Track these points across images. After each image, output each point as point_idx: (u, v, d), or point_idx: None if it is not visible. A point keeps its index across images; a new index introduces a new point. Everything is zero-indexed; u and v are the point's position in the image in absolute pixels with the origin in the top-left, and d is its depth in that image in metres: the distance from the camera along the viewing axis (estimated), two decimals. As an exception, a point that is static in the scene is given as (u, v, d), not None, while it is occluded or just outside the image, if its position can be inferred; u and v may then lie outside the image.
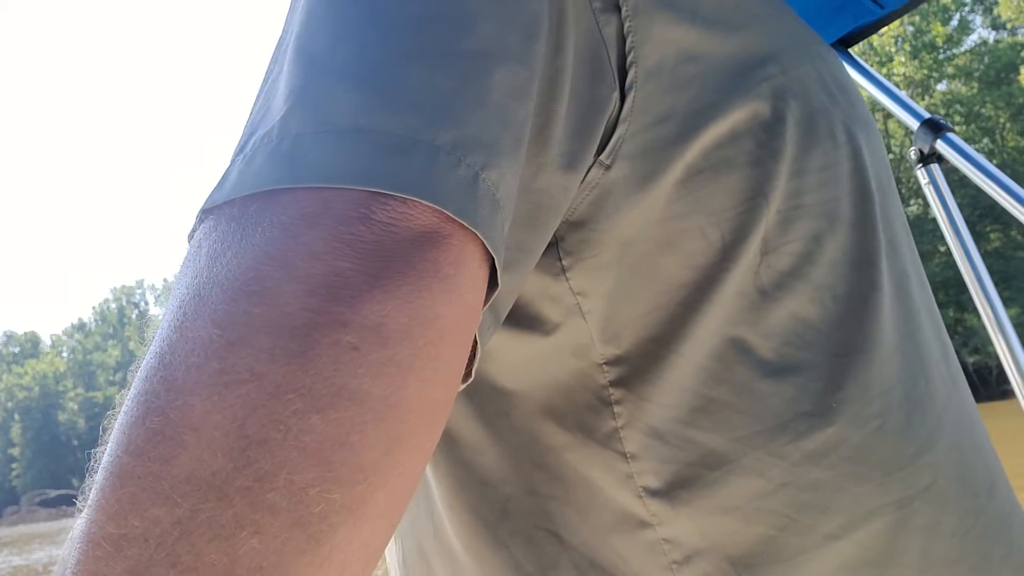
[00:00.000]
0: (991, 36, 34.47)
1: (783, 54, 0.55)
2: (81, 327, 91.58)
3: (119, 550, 0.29)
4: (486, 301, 0.40)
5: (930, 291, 0.64)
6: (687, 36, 0.50)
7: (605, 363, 0.53)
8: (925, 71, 31.90)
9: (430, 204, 0.34)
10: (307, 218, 0.33)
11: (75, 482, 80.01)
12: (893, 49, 31.37)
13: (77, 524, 0.32)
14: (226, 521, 0.29)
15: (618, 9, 0.48)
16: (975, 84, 31.68)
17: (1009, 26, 32.35)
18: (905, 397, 0.55)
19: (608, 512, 0.53)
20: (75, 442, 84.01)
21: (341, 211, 0.33)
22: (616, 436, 0.52)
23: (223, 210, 0.36)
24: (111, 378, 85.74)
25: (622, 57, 0.48)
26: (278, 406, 0.30)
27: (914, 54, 32.13)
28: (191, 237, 0.37)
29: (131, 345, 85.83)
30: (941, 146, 1.49)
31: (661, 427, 0.52)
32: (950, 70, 31.92)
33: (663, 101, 0.49)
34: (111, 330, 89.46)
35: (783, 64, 0.55)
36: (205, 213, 0.37)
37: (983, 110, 31.48)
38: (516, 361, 0.54)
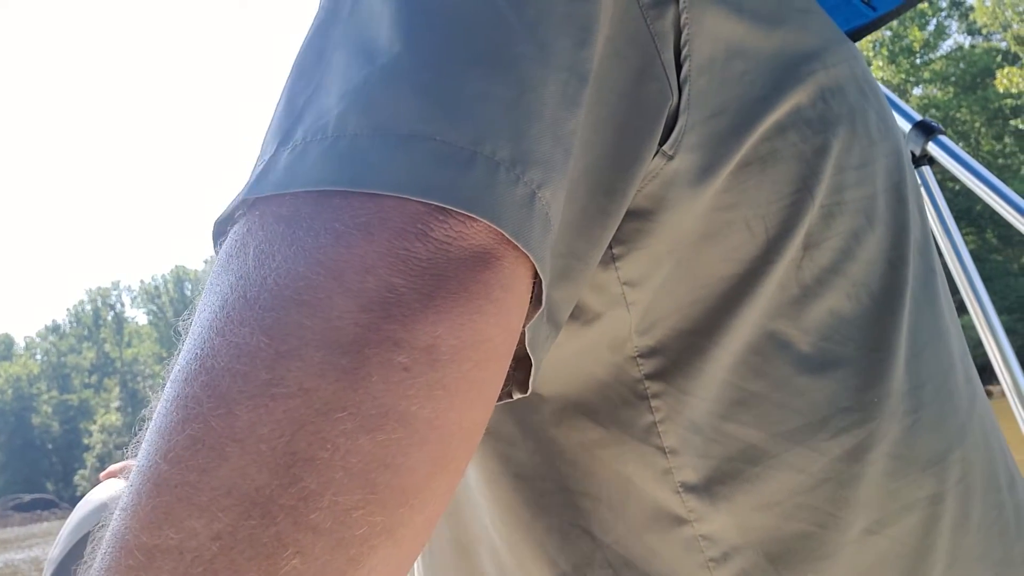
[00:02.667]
0: (967, 41, 34.93)
1: (824, 51, 0.56)
2: (55, 329, 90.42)
3: (152, 560, 0.28)
4: (527, 319, 0.39)
5: (948, 289, 0.65)
6: (736, 30, 0.50)
7: (639, 355, 0.52)
8: (903, 75, 32.26)
9: (489, 223, 0.33)
10: (362, 227, 0.32)
11: (49, 486, 79.05)
12: (871, 54, 31.67)
13: (111, 524, 0.31)
14: (268, 539, 0.28)
15: (673, 2, 0.47)
16: (951, 89, 32.07)
17: (984, 31, 32.76)
18: (936, 393, 0.56)
19: (643, 509, 0.53)
20: (49, 446, 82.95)
21: (398, 224, 0.32)
22: (654, 430, 0.52)
23: (271, 205, 0.34)
24: (86, 381, 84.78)
25: (676, 50, 0.47)
26: (326, 424, 0.29)
27: (891, 58, 32.48)
28: (226, 222, 0.36)
29: (107, 347, 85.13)
30: (932, 148, 1.50)
31: (701, 421, 0.51)
32: (926, 75, 32.27)
33: (717, 95, 0.49)
34: (86, 332, 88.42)
35: (824, 60, 0.55)
36: (248, 204, 0.35)
37: (958, 114, 31.86)
38: (549, 354, 0.52)
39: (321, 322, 0.30)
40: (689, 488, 0.51)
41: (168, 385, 0.32)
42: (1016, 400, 1.36)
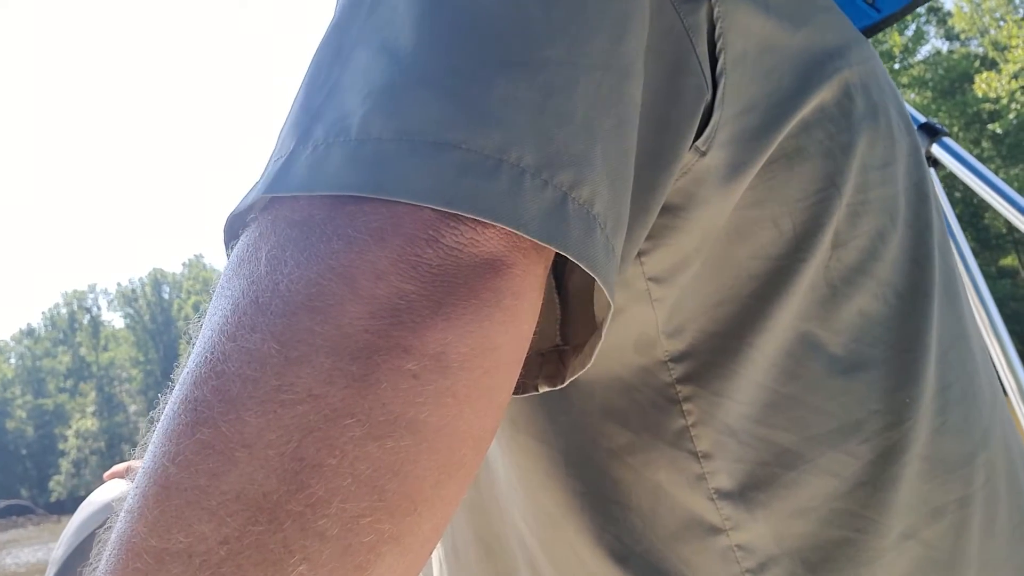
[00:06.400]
0: (945, 47, 35.31)
1: (847, 49, 0.55)
2: (30, 333, 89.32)
3: (161, 564, 0.28)
4: (598, 329, 0.40)
5: (965, 291, 0.65)
6: (765, 26, 0.50)
7: (670, 360, 0.51)
8: (880, 80, 32.49)
9: (513, 230, 0.33)
10: (375, 233, 0.32)
11: (24, 492, 78.15)
12: (849, 58, 31.86)
13: (116, 526, 0.31)
14: (275, 545, 0.28)
15: None
16: (929, 93, 32.41)
17: (963, 37, 33.14)
18: (963, 394, 0.55)
19: (675, 518, 0.51)
20: (24, 451, 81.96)
21: (410, 230, 0.32)
22: (687, 435, 0.51)
23: (284, 208, 0.34)
24: (61, 385, 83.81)
25: (711, 44, 0.47)
26: (335, 430, 0.29)
27: (870, 64, 32.70)
28: (241, 217, 0.36)
29: (82, 351, 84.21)
30: (936, 150, 1.50)
31: (735, 424, 0.51)
32: (905, 80, 32.59)
33: (748, 90, 0.48)
34: (61, 336, 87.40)
35: (848, 58, 0.55)
36: (264, 202, 0.35)
37: (936, 119, 32.16)
38: None
39: (332, 328, 0.30)
40: (724, 495, 0.50)
41: (177, 388, 0.32)
42: (1017, 395, 1.37)
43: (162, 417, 0.32)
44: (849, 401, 0.51)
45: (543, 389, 0.45)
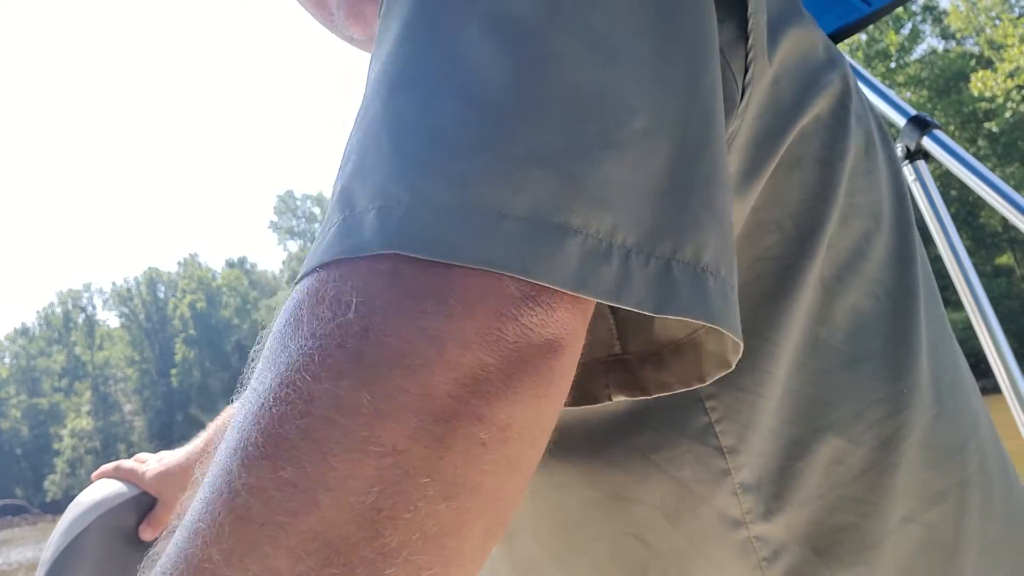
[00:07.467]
0: (940, 45, 35.37)
1: (837, 59, 0.58)
2: (24, 332, 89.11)
3: None
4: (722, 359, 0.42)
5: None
6: (779, 34, 0.52)
7: None
8: (878, 78, 32.53)
9: (631, 308, 0.35)
10: (465, 303, 0.33)
11: (19, 492, 77.94)
12: (847, 57, 31.94)
13: (179, 543, 0.32)
14: None
15: (742, 7, 0.48)
16: (925, 92, 32.44)
17: (958, 36, 33.19)
18: (952, 384, 0.59)
19: (700, 515, 0.53)
20: (18, 450, 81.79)
21: (496, 305, 0.33)
22: (711, 431, 0.52)
23: (376, 258, 0.34)
24: (56, 384, 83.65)
25: (744, 54, 0.48)
26: (412, 487, 0.31)
27: (867, 62, 32.81)
28: (326, 253, 0.35)
29: (77, 350, 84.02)
30: (927, 143, 1.49)
31: (757, 418, 0.52)
32: (901, 78, 32.63)
33: (763, 97, 0.50)
34: (56, 335, 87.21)
35: (839, 69, 0.57)
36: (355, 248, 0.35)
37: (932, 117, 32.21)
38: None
39: (419, 388, 0.31)
40: (746, 488, 0.52)
41: (250, 413, 0.32)
42: (1012, 393, 1.36)
43: (234, 438, 0.32)
44: (851, 392, 0.54)
45: (618, 398, 0.46)
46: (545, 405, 0.35)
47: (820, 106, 0.55)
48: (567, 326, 0.35)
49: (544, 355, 0.34)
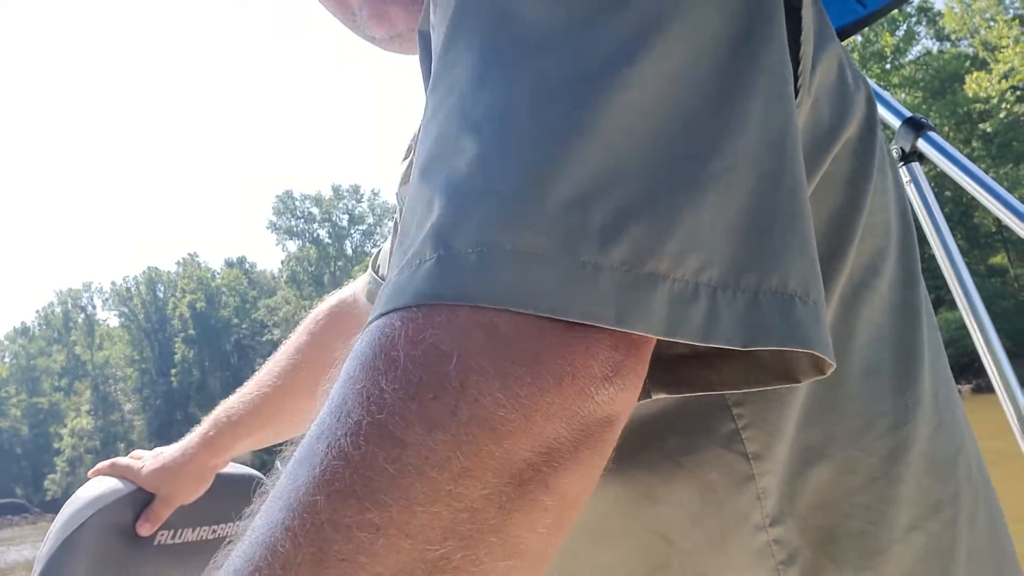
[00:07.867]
0: (935, 47, 35.38)
1: (860, 75, 0.59)
2: (24, 331, 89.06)
3: None
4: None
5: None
6: (818, 57, 0.53)
7: None
8: (874, 80, 32.56)
9: (722, 345, 0.36)
10: (557, 376, 0.34)
11: (19, 491, 77.86)
12: (842, 58, 31.94)
13: (247, 554, 0.32)
14: None
15: (797, 30, 0.49)
16: (920, 93, 32.46)
17: (953, 37, 33.20)
18: (947, 398, 0.62)
19: (722, 517, 0.54)
20: (18, 450, 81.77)
21: (583, 383, 0.34)
22: (737, 437, 0.54)
23: (480, 315, 0.34)
24: (56, 384, 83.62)
25: (794, 79, 0.48)
26: (482, 543, 0.32)
27: (863, 63, 32.83)
28: (416, 294, 0.35)
29: (77, 350, 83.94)
30: (922, 145, 1.50)
31: (781, 424, 0.54)
32: (896, 80, 32.65)
33: (804, 120, 0.51)
34: (56, 335, 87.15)
35: (865, 86, 0.59)
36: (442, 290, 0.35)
37: (927, 118, 32.25)
38: None
39: (503, 451, 0.33)
40: (768, 493, 0.53)
41: (333, 447, 0.33)
42: (1004, 392, 1.37)
43: (317, 466, 0.33)
44: (862, 402, 0.56)
45: (657, 396, 0.47)
46: (597, 473, 0.36)
47: (852, 127, 0.56)
48: (629, 403, 0.37)
49: (604, 428, 0.36)
